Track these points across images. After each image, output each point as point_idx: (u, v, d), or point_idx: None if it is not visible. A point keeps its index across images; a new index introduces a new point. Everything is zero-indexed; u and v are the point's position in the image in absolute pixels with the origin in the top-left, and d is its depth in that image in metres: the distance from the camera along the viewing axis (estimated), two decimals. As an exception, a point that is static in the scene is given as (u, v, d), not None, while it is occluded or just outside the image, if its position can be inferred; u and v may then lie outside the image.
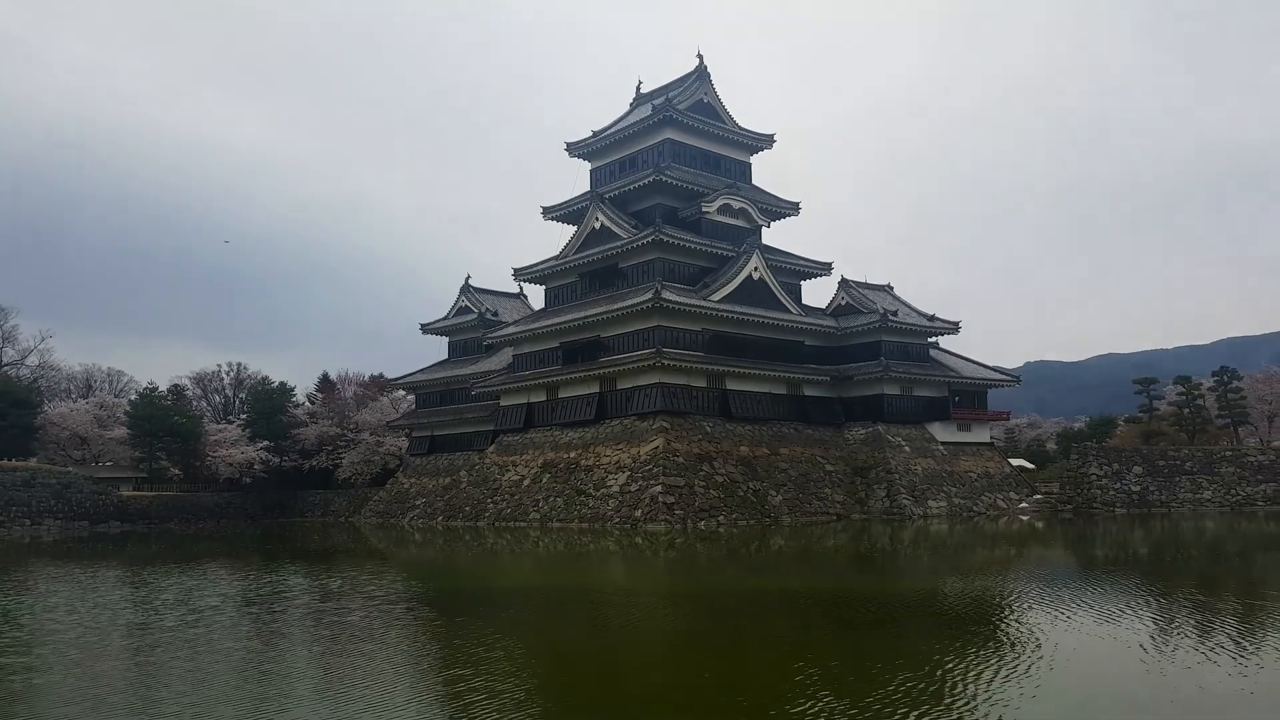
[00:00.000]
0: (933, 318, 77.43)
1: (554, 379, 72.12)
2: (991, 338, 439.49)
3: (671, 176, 71.58)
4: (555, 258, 77.03)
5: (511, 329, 78.45)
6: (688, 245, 69.49)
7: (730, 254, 71.13)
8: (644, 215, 72.43)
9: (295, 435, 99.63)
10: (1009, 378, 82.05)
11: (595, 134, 79.19)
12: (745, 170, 79.18)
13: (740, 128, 78.62)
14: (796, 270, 77.04)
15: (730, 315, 67.26)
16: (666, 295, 63.77)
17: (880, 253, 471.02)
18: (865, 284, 79.85)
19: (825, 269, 78.43)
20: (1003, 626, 19.37)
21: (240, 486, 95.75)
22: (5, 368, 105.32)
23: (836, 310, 78.31)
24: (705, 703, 13.15)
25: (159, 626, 21.00)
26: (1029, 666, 14.60)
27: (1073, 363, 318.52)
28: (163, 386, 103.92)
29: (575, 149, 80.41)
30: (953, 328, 77.74)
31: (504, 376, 78.31)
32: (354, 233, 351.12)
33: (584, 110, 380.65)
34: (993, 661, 15.02)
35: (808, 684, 13.92)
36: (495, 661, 16.13)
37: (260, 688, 14.53)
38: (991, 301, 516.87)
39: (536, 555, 43.41)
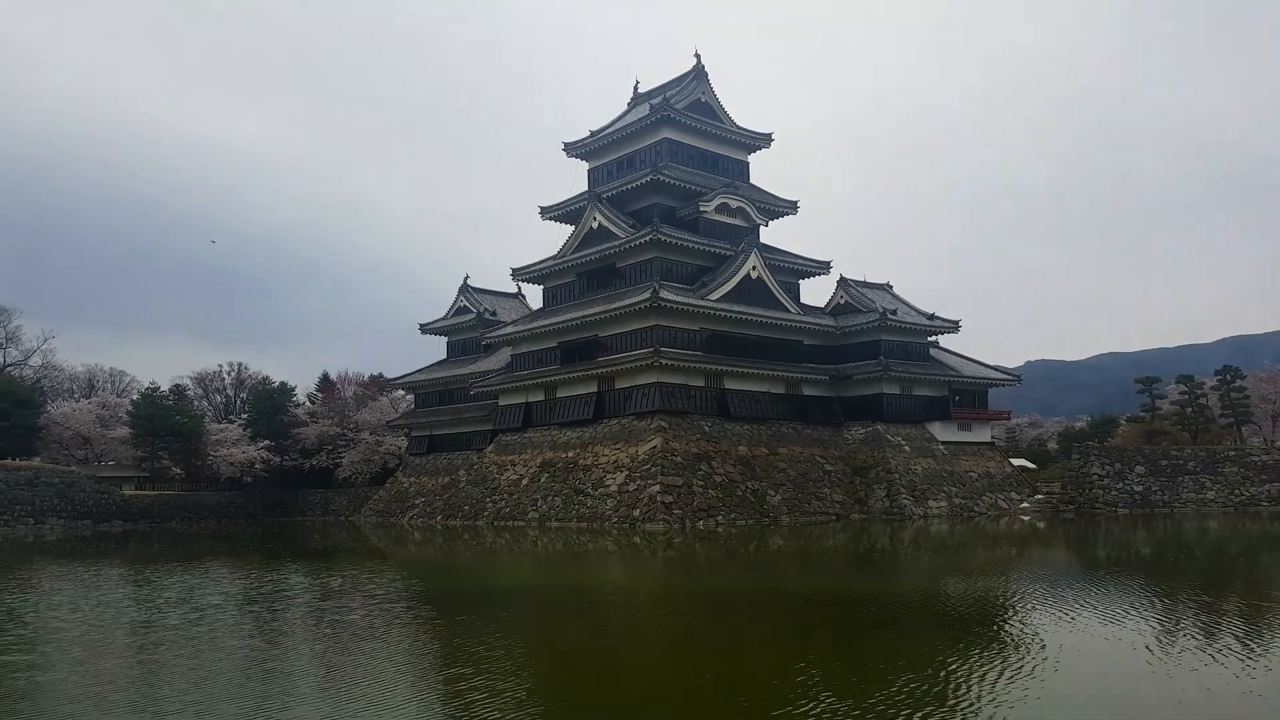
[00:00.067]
0: (932, 316, 77.27)
1: (552, 379, 72.09)
2: (991, 337, 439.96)
3: (669, 176, 71.50)
4: (553, 258, 76.98)
5: (510, 329, 78.43)
6: (686, 244, 69.42)
7: (728, 253, 71.03)
8: (642, 215, 72.37)
9: (296, 435, 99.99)
10: (1010, 377, 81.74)
11: (593, 134, 79.09)
12: (743, 169, 79.09)
13: (738, 127, 78.53)
14: (795, 269, 76.97)
15: (728, 314, 67.19)
16: (664, 294, 63.71)
17: (879, 251, 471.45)
18: (864, 283, 79.74)
19: (824, 268, 78.33)
20: (1006, 627, 19.31)
21: (241, 486, 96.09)
22: (9, 368, 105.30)
23: (835, 309, 78.18)
24: (705, 703, 13.10)
25: (162, 625, 21.01)
26: (1034, 667, 14.54)
27: (1073, 362, 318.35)
28: (164, 386, 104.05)
29: (573, 149, 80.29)
30: (953, 326, 77.54)
31: (502, 376, 78.29)
32: (354, 233, 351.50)
33: (583, 110, 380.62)
34: (996, 662, 14.96)
35: (809, 684, 13.88)
36: (496, 660, 16.11)
37: (262, 686, 14.51)
38: (991, 301, 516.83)
39: (535, 555, 43.38)
